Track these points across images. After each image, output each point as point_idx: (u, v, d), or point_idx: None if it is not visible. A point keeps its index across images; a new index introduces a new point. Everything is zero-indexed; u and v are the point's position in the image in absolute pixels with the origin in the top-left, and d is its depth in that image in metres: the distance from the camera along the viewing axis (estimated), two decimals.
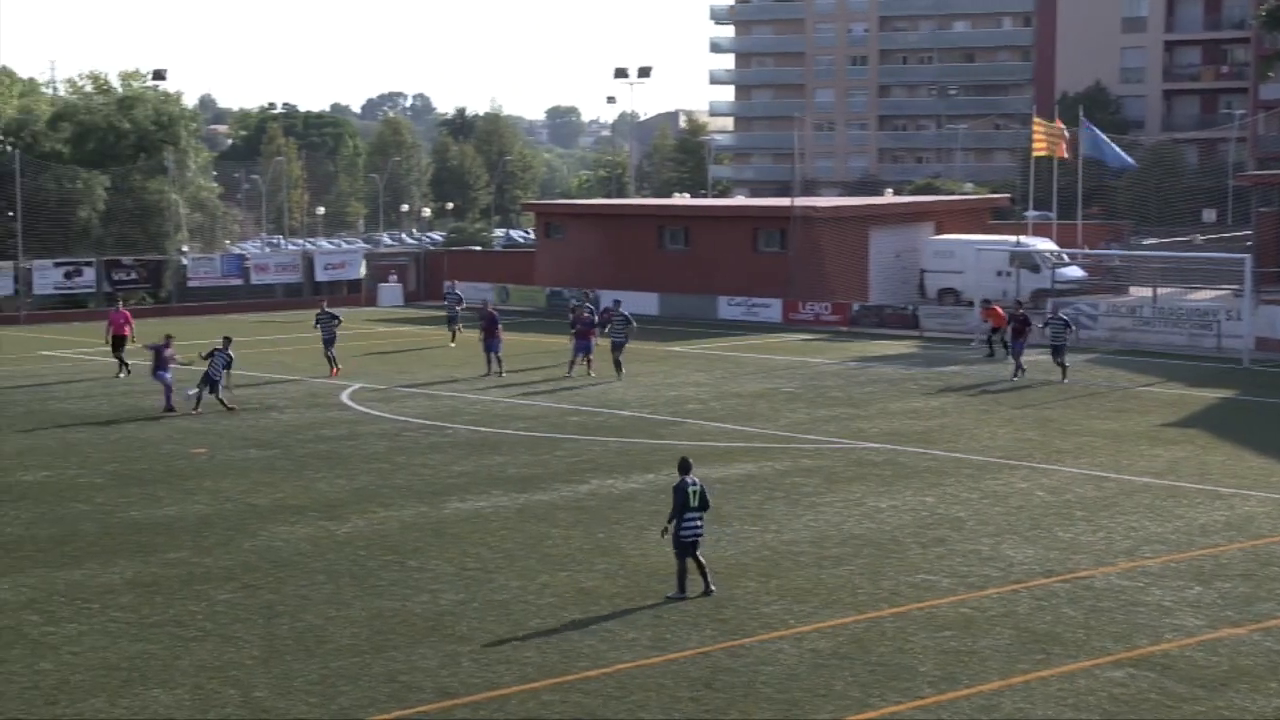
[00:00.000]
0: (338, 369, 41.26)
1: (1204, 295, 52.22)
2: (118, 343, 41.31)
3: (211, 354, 35.08)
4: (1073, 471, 27.39)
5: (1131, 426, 32.34)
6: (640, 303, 59.98)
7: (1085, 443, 30.37)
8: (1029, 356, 40.44)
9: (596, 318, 43.05)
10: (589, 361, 40.59)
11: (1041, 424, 32.72)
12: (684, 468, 19.29)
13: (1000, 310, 44.48)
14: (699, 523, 19.08)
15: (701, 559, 19.30)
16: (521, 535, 22.70)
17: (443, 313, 52.10)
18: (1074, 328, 40.78)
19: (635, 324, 41.60)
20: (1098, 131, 60.59)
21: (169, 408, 34.84)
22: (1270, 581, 19.83)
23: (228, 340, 35.66)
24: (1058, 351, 39.71)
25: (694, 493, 19.02)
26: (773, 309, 56.76)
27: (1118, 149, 60.73)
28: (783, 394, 37.75)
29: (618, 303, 42.90)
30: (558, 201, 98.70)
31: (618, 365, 40.12)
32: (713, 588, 19.26)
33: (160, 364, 35.16)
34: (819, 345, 48.99)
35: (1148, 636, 17.52)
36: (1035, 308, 52.26)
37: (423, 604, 19.06)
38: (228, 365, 35.15)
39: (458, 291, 51.77)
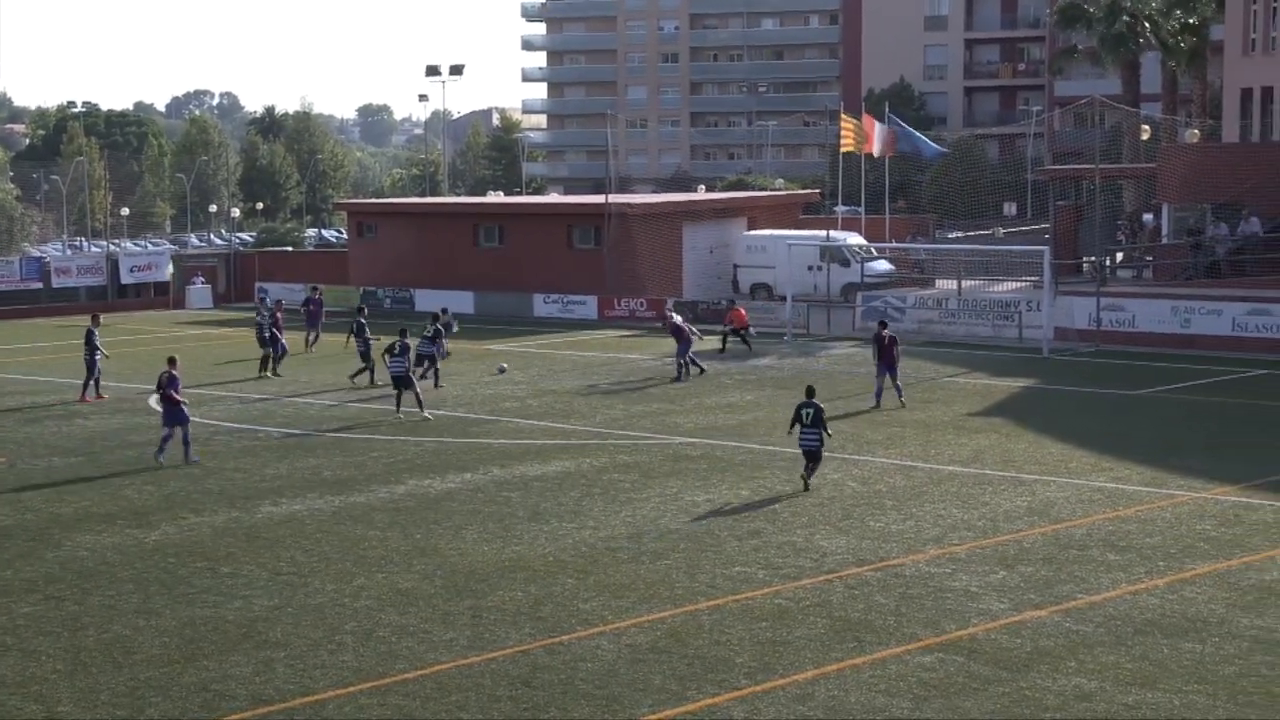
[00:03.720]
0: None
1: (1006, 287, 53.62)
2: None
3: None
4: (883, 462, 27.95)
5: (939, 416, 33.10)
6: (456, 301, 59.58)
7: (895, 433, 31.00)
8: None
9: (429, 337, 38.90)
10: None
11: (852, 415, 33.31)
12: (808, 393, 25.61)
13: (743, 312, 45.45)
14: (811, 436, 25.05)
15: (815, 466, 25.21)
16: (337, 538, 22.43)
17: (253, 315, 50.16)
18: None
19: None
20: (906, 127, 61.85)
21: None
22: (1070, 564, 20.48)
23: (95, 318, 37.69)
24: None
25: (806, 413, 25.09)
26: (588, 306, 56.89)
27: (925, 139, 61.98)
28: (599, 391, 37.85)
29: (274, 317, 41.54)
30: (370, 201, 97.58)
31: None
32: (808, 486, 24.99)
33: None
34: (635, 341, 49.25)
35: (955, 621, 17.97)
36: (846, 301, 53.36)
37: (235, 610, 18.72)
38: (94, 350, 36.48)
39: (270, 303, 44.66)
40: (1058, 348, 44.49)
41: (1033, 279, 50.80)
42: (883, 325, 35.34)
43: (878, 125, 59.28)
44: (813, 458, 25.23)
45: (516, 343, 49.18)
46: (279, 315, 42.32)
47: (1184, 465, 27.34)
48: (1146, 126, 64.93)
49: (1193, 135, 60.71)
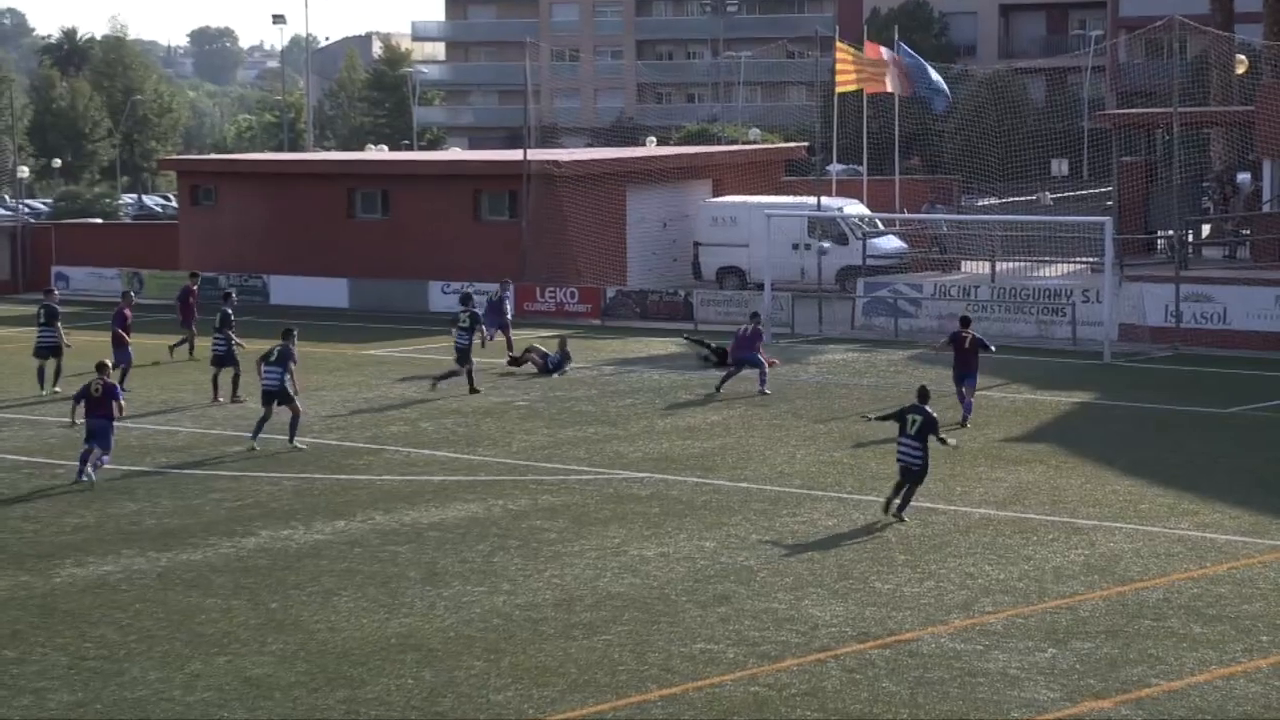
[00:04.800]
0: None
1: (1055, 271, 53.94)
2: None
3: None
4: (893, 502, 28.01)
5: (967, 443, 33.15)
6: (326, 291, 59.52)
7: None
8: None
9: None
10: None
11: (851, 442, 33.39)
12: (921, 396, 27.02)
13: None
14: (912, 450, 26.37)
15: (913, 489, 26.39)
16: (163, 609, 22.30)
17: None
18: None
19: None
20: (921, 60, 62.03)
21: None
22: (1141, 639, 20.58)
23: None
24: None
25: (912, 420, 26.43)
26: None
27: (938, 79, 62.04)
28: (516, 409, 37.81)
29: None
30: (209, 158, 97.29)
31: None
32: (905, 519, 26.19)
33: None
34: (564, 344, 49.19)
35: (989, 715, 18.03)
36: (843, 290, 53.56)
37: (23, 709, 18.58)
38: None
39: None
40: (1124, 351, 44.74)
41: (1091, 260, 51.13)
42: (965, 323, 36.19)
43: (885, 52, 59.26)
44: (911, 477, 26.48)
45: (405, 346, 49.01)
46: (127, 313, 41.66)
47: None
48: (1242, 57, 65.35)
49: None
